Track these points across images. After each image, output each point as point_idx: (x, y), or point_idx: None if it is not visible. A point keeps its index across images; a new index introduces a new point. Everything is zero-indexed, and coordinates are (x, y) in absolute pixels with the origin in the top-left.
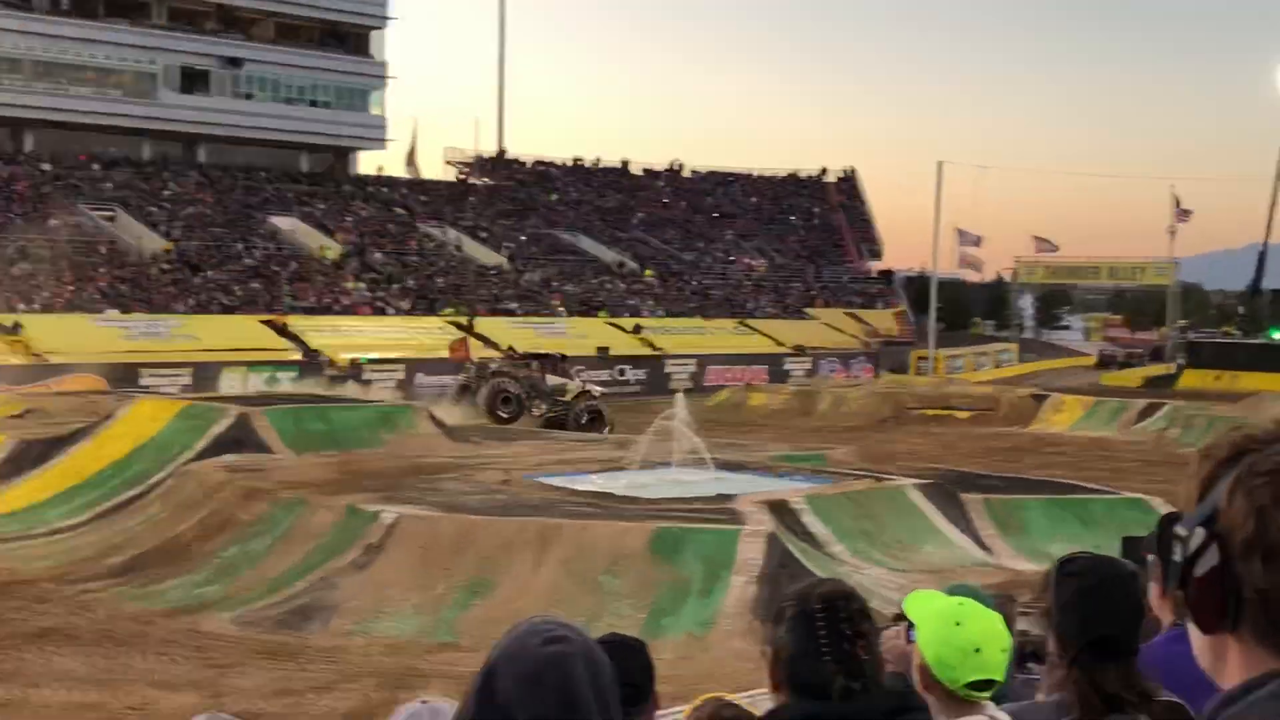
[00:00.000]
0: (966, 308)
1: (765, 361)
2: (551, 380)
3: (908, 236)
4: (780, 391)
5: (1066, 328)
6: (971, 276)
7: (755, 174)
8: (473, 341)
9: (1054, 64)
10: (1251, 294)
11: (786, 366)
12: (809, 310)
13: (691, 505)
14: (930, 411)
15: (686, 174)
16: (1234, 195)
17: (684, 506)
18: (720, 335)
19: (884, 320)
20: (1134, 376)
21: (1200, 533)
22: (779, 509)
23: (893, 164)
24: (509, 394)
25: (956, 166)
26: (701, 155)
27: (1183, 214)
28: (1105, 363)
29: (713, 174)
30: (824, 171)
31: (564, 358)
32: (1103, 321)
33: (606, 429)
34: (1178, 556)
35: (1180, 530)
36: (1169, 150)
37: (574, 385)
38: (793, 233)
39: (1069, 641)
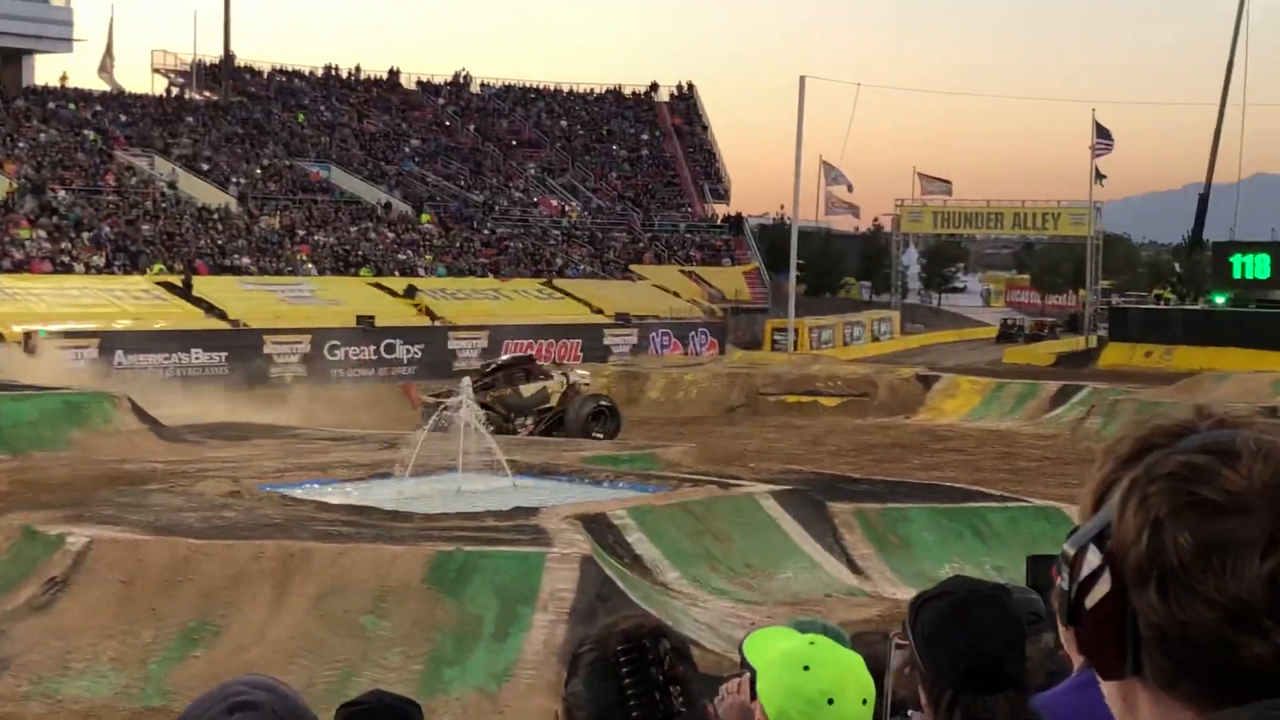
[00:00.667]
0: (836, 265)
1: (579, 334)
2: (528, 389)
3: (762, 173)
4: (598, 373)
5: (961, 290)
6: (842, 225)
7: (565, 89)
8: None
9: None
10: (1190, 248)
11: (607, 341)
12: (635, 268)
13: (482, 522)
14: (790, 398)
15: (475, 89)
16: (1171, 126)
17: (472, 524)
18: (520, 300)
19: (732, 281)
20: (1045, 352)
21: (1092, 553)
22: (596, 525)
23: (743, 80)
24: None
25: (823, 84)
26: (495, 65)
27: (1104, 144)
28: (1009, 335)
29: (510, 89)
30: (654, 88)
31: (530, 357)
32: (1006, 283)
33: (614, 425)
34: (1065, 584)
35: (1068, 549)
36: (1093, 70)
37: (555, 383)
38: (614, 167)
39: (941, 678)
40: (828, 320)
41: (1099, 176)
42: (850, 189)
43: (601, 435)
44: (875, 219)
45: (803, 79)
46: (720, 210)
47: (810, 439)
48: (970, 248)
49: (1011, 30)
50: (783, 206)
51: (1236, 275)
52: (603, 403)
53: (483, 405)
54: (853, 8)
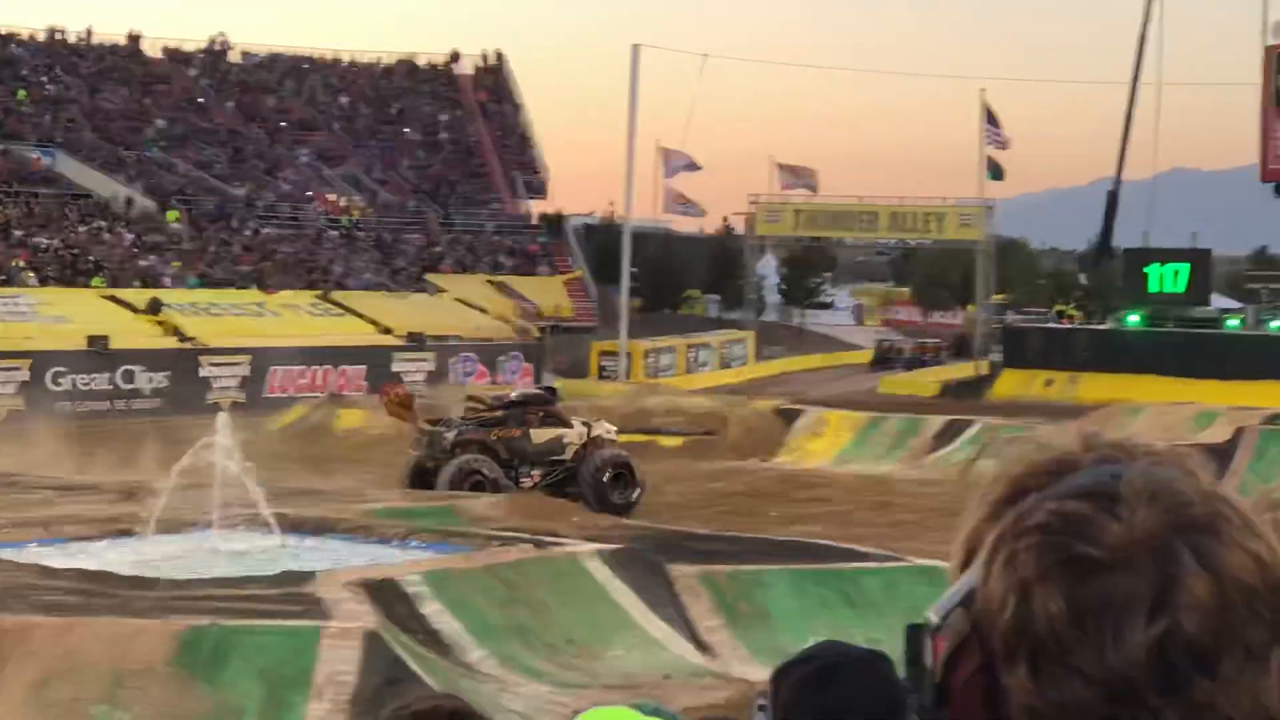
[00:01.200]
0: (678, 274)
1: (362, 359)
2: (540, 434)
3: (588, 163)
4: (379, 405)
5: (829, 306)
6: (686, 225)
7: (346, 60)
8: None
9: None
10: (1098, 256)
11: (397, 366)
12: (432, 278)
13: (243, 590)
14: (622, 437)
15: (235, 58)
16: (1076, 111)
17: (231, 592)
18: (290, 317)
19: (551, 293)
20: (928, 380)
21: (960, 621)
22: (384, 594)
23: (565, 51)
24: (481, 477)
25: (662, 55)
26: (259, 29)
27: (995, 133)
28: (886, 360)
29: (277, 58)
30: (456, 58)
31: (550, 398)
32: (882, 297)
33: (637, 492)
34: (928, 659)
35: (930, 617)
36: (985, 44)
37: (573, 433)
38: (407, 153)
39: None
40: (668, 342)
41: (992, 170)
42: (697, 167)
43: (620, 503)
44: (725, 219)
45: (636, 48)
46: (537, 207)
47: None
48: (840, 255)
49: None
50: (613, 203)
51: (1152, 289)
52: (625, 463)
53: (484, 446)
54: None
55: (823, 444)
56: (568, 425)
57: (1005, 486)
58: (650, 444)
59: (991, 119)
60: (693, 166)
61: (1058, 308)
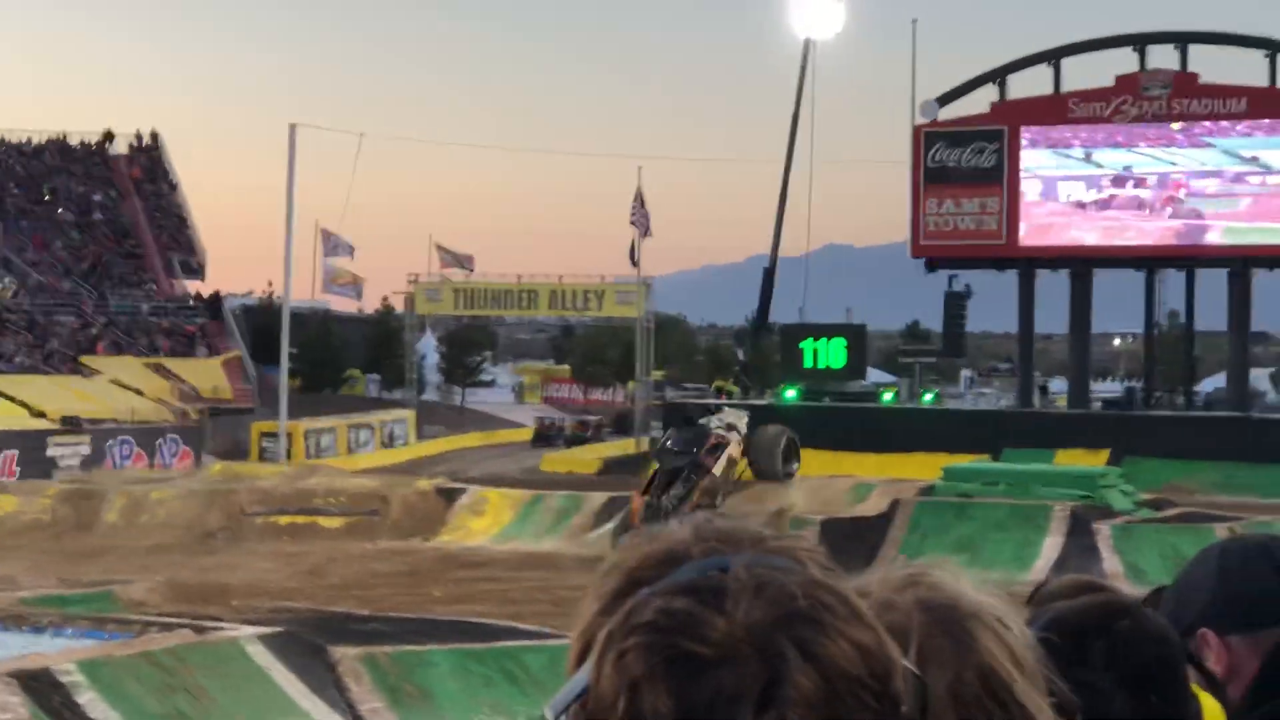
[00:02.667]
0: (338, 354)
1: (13, 444)
2: (719, 466)
3: (247, 244)
4: (39, 492)
5: (489, 384)
6: (345, 306)
7: None
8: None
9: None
10: (755, 331)
11: (51, 451)
12: (87, 360)
13: None
14: (284, 519)
15: None
16: (732, 190)
17: None
18: None
19: (209, 374)
20: (589, 458)
21: (575, 716)
22: (37, 684)
23: (223, 131)
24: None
25: (320, 135)
26: None
27: (642, 212)
28: (546, 437)
29: None
30: (110, 137)
31: (702, 431)
32: (542, 375)
33: (796, 465)
34: None
35: (548, 714)
36: (642, 123)
37: (735, 447)
38: (60, 234)
39: None
40: (328, 422)
41: (635, 255)
42: (352, 252)
43: (789, 474)
44: (385, 298)
45: (293, 127)
46: (194, 287)
47: (308, 569)
48: (500, 333)
49: (550, 73)
50: (271, 283)
51: (807, 364)
52: (788, 436)
53: (693, 504)
54: (356, 46)
55: (484, 522)
56: (725, 443)
57: (618, 579)
58: (311, 525)
59: (641, 199)
60: (349, 251)
61: (716, 384)
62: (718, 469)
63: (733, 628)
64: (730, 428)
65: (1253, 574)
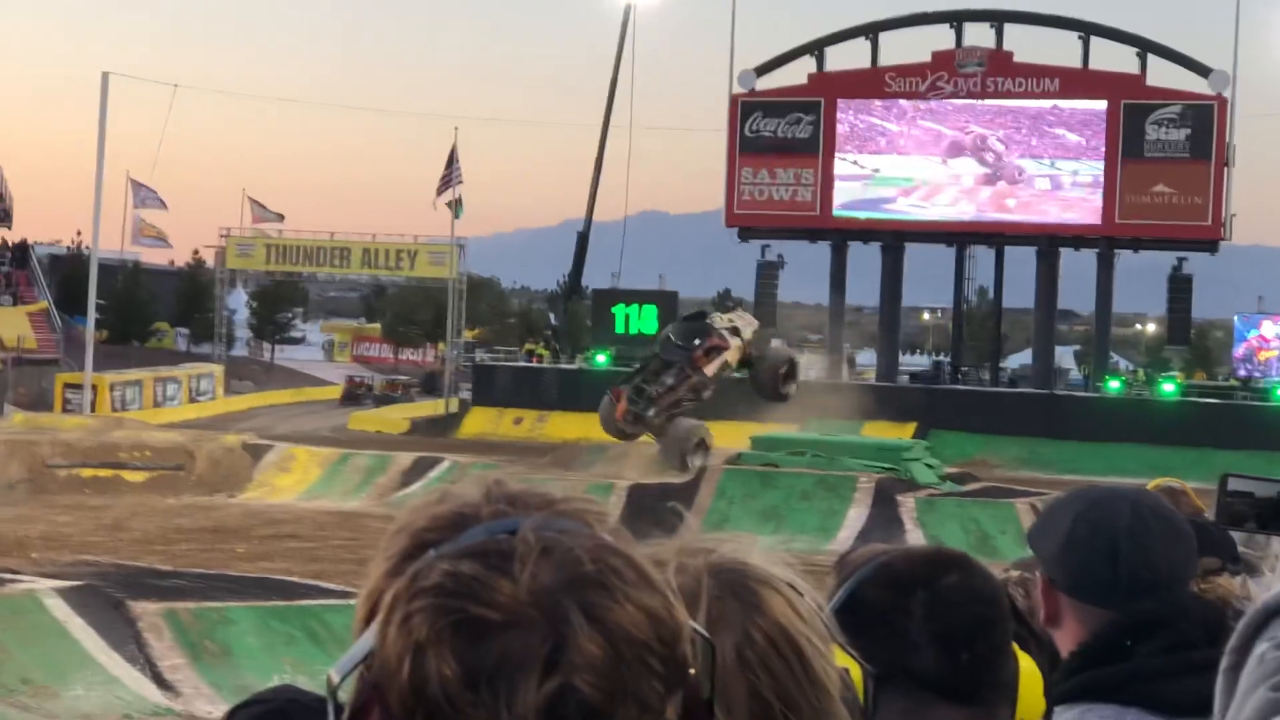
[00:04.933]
0: (146, 307)
1: None
2: (711, 368)
3: (56, 192)
4: None
5: (299, 341)
6: (155, 258)
7: None
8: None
9: None
10: (567, 295)
11: None
12: None
13: None
14: (87, 472)
15: None
16: (550, 152)
17: None
18: None
19: (14, 323)
20: (398, 418)
21: (361, 683)
22: None
23: (29, 77)
24: (705, 444)
25: (132, 84)
26: None
27: (451, 173)
28: (355, 396)
29: None
30: None
31: (706, 326)
32: (353, 333)
33: (794, 386)
34: (330, 717)
35: (332, 676)
36: (458, 82)
37: (732, 351)
38: None
39: None
40: (135, 375)
41: (455, 208)
42: (164, 205)
43: (787, 395)
44: (196, 252)
45: (106, 75)
46: (1, 236)
47: (110, 523)
48: (311, 290)
49: (369, 29)
50: (80, 233)
51: (619, 329)
52: (790, 359)
53: (680, 404)
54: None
55: (291, 480)
56: (725, 345)
57: (406, 540)
58: (115, 478)
59: (454, 159)
60: (160, 204)
61: (527, 347)
62: (710, 370)
63: (519, 592)
64: (735, 332)
65: (1093, 556)
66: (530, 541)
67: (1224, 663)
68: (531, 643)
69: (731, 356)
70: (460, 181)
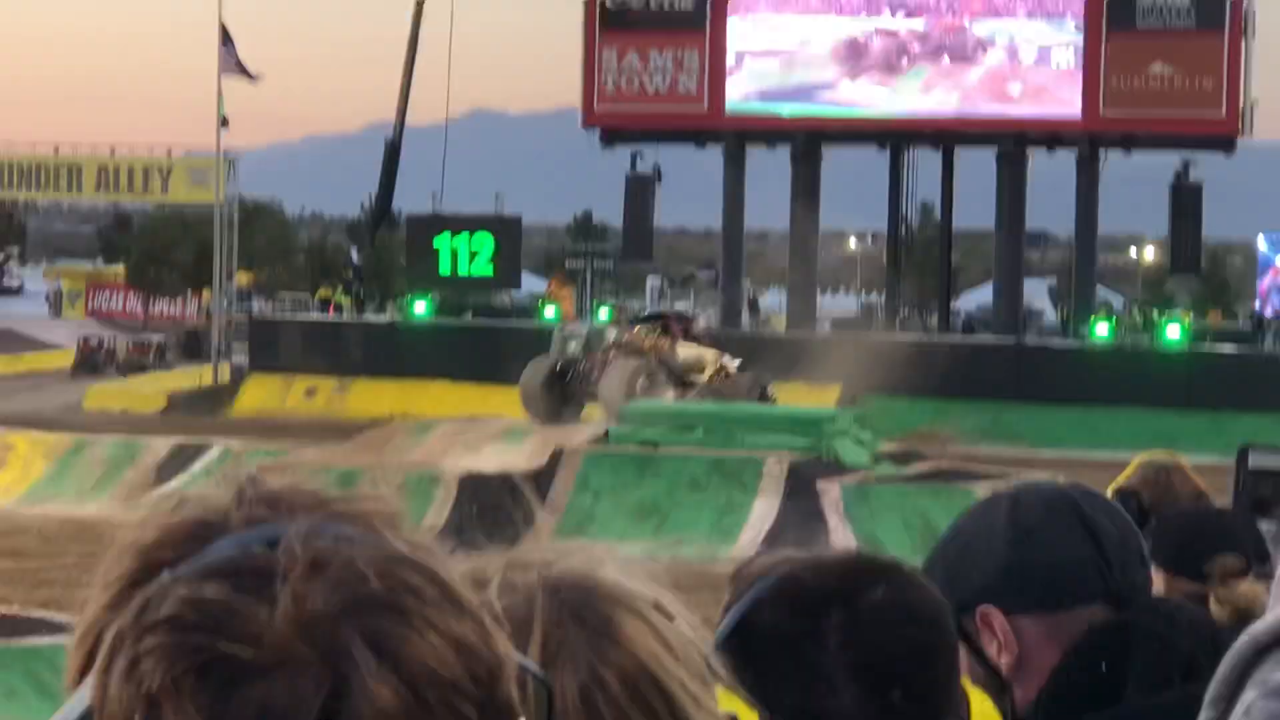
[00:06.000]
0: None
1: None
2: (685, 350)
3: None
4: None
5: (16, 290)
6: None
7: None
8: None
9: None
10: (375, 225)
11: None
12: None
13: None
14: None
15: None
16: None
17: None
18: None
19: None
20: (152, 391)
21: None
22: None
23: None
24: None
25: None
26: None
27: (234, 61)
28: (93, 363)
29: None
30: None
31: (690, 317)
32: (88, 278)
33: None
34: None
35: None
36: None
37: (711, 356)
38: None
39: None
40: None
41: (220, 105)
42: None
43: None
44: None
45: None
46: None
47: None
48: (32, 223)
49: None
50: None
51: (444, 269)
52: (768, 390)
53: (640, 352)
54: None
55: (9, 477)
56: (703, 347)
57: (131, 560)
58: None
59: (228, 38)
60: None
61: (322, 293)
62: (682, 349)
63: (284, 622)
64: (719, 352)
65: (1056, 536)
66: (296, 554)
67: (1204, 717)
68: (302, 687)
69: (709, 360)
70: (245, 72)
